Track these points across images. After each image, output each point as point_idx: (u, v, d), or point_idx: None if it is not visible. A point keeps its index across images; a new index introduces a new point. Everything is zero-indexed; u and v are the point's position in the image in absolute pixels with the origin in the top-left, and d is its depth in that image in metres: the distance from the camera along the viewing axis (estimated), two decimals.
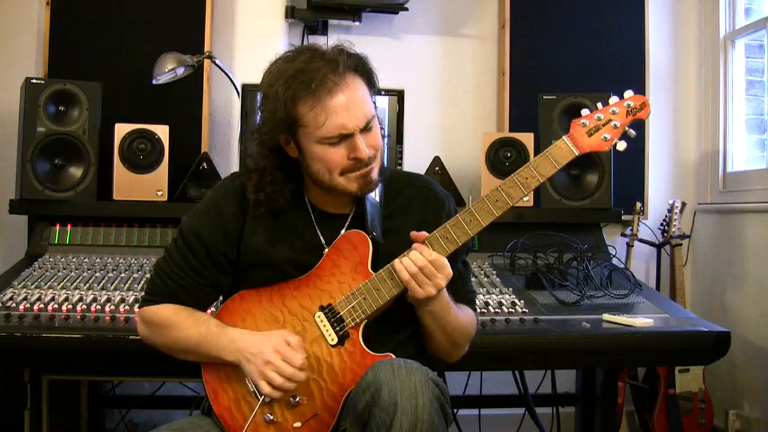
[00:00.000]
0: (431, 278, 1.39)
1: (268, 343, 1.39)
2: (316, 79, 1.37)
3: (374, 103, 1.49)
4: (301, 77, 1.38)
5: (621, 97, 1.48)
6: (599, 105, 1.48)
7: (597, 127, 1.46)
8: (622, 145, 1.47)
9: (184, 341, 1.47)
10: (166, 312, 1.50)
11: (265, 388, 1.37)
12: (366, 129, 1.42)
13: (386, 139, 1.58)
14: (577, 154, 1.45)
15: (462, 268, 1.60)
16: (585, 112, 1.47)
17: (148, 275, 2.14)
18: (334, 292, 1.46)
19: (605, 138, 1.45)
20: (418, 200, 1.56)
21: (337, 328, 1.43)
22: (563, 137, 1.46)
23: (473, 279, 2.19)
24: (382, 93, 2.73)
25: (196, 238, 1.51)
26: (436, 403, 1.28)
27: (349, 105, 1.39)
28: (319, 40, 3.05)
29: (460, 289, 1.57)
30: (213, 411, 1.48)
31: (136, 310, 1.88)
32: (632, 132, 1.47)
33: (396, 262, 1.42)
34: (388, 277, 1.42)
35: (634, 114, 1.47)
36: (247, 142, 2.35)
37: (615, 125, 1.46)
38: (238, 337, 1.43)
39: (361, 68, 1.45)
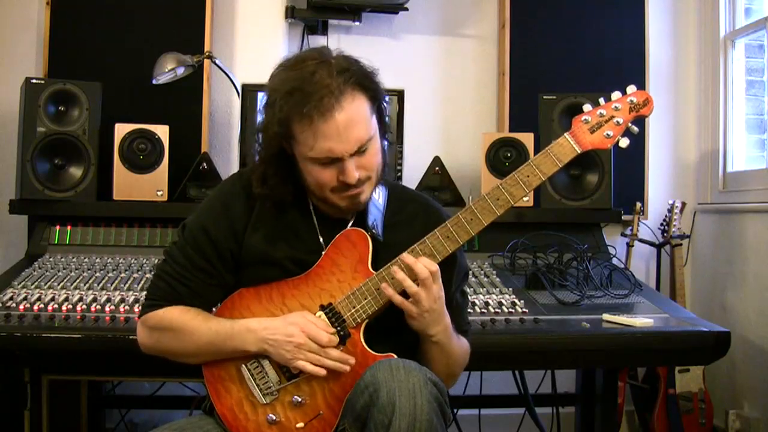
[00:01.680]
0: (429, 292, 1.38)
1: (292, 326, 1.39)
2: (311, 100, 1.34)
3: (381, 116, 1.47)
4: (298, 96, 1.35)
5: (624, 92, 1.45)
6: (601, 101, 1.45)
7: (599, 124, 1.43)
8: (624, 142, 1.44)
9: (194, 341, 1.45)
10: (172, 313, 1.48)
11: (307, 367, 1.38)
12: (359, 152, 1.40)
13: (390, 144, 1.56)
14: (579, 151, 1.42)
15: (459, 297, 1.57)
16: (587, 108, 1.45)
17: (148, 275, 2.14)
18: (334, 291, 1.45)
19: (608, 135, 1.43)
20: (422, 216, 1.54)
21: (338, 328, 1.42)
22: (565, 134, 1.43)
23: (473, 279, 2.20)
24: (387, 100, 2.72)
25: (204, 233, 1.50)
26: (435, 404, 1.27)
27: (341, 130, 1.36)
28: (319, 41, 3.05)
29: (456, 320, 1.52)
30: (215, 411, 1.48)
31: (136, 309, 1.89)
32: (635, 129, 1.44)
33: (391, 279, 1.40)
34: (389, 277, 1.42)
35: (637, 110, 1.44)
36: (250, 137, 2.33)
37: (618, 122, 1.43)
38: (255, 325, 1.42)
39: (367, 84, 1.42)
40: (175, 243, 1.54)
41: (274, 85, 1.42)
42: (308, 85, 1.36)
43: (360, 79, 1.41)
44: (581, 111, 1.46)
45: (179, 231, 1.55)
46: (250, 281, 1.51)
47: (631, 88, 1.46)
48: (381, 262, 1.44)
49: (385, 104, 1.50)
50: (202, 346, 1.45)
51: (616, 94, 1.45)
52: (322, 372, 1.38)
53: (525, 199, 2.58)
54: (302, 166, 1.44)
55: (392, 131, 1.56)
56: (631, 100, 1.44)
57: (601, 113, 1.44)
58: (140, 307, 1.56)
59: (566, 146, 1.42)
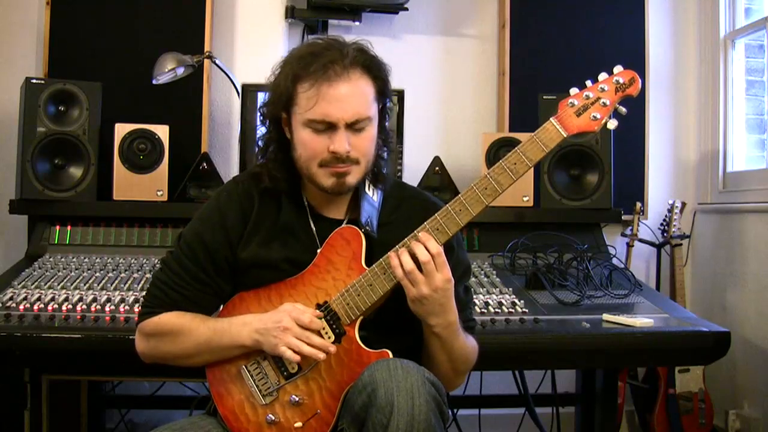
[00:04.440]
0: (429, 276, 1.37)
1: (280, 312, 1.40)
2: (320, 63, 1.39)
3: (383, 113, 1.50)
4: (308, 59, 1.41)
5: (610, 72, 1.43)
6: (588, 83, 1.43)
7: (585, 107, 1.40)
8: (612, 124, 1.41)
9: (193, 342, 1.46)
10: (169, 318, 1.49)
11: (288, 354, 1.37)
12: (354, 127, 1.42)
13: (389, 144, 1.56)
14: (565, 135, 1.39)
15: (462, 293, 1.55)
16: (574, 90, 1.42)
17: (148, 275, 2.14)
18: (330, 289, 1.45)
19: (594, 117, 1.40)
20: (420, 213, 1.49)
21: (334, 326, 1.42)
22: (551, 119, 1.40)
23: (473, 279, 2.19)
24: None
25: (200, 242, 1.51)
26: (433, 403, 1.27)
27: (341, 97, 1.40)
28: None
29: (460, 315, 1.48)
30: (218, 413, 1.49)
31: (136, 309, 1.89)
32: (623, 110, 1.42)
33: (391, 254, 1.40)
34: (380, 272, 1.41)
35: (624, 90, 1.41)
36: (251, 136, 2.39)
37: (604, 103, 1.40)
38: (250, 319, 1.44)
39: (374, 71, 1.45)
40: (172, 252, 1.55)
41: (287, 57, 1.48)
42: (321, 52, 1.42)
43: (372, 64, 1.45)
44: (570, 90, 1.43)
45: (176, 240, 1.56)
46: (248, 285, 1.51)
47: (617, 68, 1.43)
48: (376, 260, 1.44)
49: (388, 109, 1.52)
50: (200, 344, 1.46)
51: (602, 75, 1.43)
52: (297, 358, 1.37)
53: (525, 198, 2.61)
54: (297, 137, 1.46)
55: (393, 140, 1.58)
56: (617, 80, 1.41)
57: (587, 95, 1.41)
58: (137, 316, 1.56)
59: (552, 131, 1.40)
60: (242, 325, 1.43)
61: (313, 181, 1.48)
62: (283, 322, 1.38)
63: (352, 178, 1.46)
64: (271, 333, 1.39)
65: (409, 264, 1.37)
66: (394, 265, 1.39)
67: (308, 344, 1.37)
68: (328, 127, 1.41)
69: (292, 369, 1.42)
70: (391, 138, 1.56)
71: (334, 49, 1.42)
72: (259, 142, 1.57)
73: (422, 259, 1.37)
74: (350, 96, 1.40)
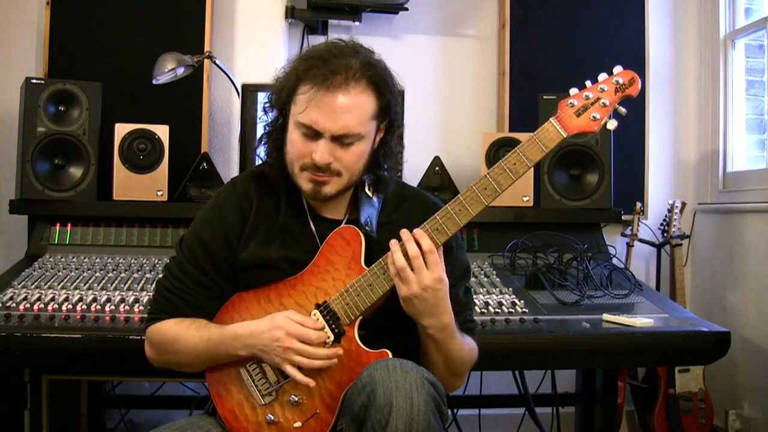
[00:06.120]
0: (418, 274, 1.36)
1: (277, 329, 1.38)
2: (325, 68, 1.39)
3: (391, 128, 1.51)
4: (315, 62, 1.41)
5: (610, 73, 1.43)
6: (588, 83, 1.43)
7: (585, 107, 1.40)
8: (612, 124, 1.41)
9: (190, 351, 1.46)
10: (168, 325, 1.49)
11: (296, 375, 1.37)
12: (341, 141, 1.41)
13: (390, 161, 1.55)
14: (565, 136, 1.39)
15: (462, 295, 1.56)
16: (573, 91, 1.42)
17: (148, 275, 2.14)
18: (329, 289, 1.45)
19: (594, 117, 1.40)
20: (420, 214, 1.49)
21: (333, 326, 1.42)
22: (551, 119, 1.40)
23: (473, 279, 2.19)
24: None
25: (200, 244, 1.51)
26: (432, 403, 1.27)
27: (334, 108, 1.39)
28: (319, 41, 3.04)
29: (459, 316, 1.48)
30: (218, 413, 1.49)
31: (137, 309, 1.90)
32: (622, 110, 1.42)
33: (388, 254, 1.40)
34: (380, 272, 1.41)
35: (623, 90, 1.41)
36: (250, 136, 2.44)
37: (604, 104, 1.40)
38: (241, 331, 1.43)
39: (383, 90, 1.45)
40: (174, 258, 1.55)
41: (302, 53, 1.48)
42: (329, 59, 1.41)
43: (380, 80, 1.44)
44: (569, 90, 1.43)
45: (177, 245, 1.56)
46: (248, 285, 1.51)
47: (617, 69, 1.43)
48: (375, 260, 1.44)
49: (396, 126, 1.52)
50: (199, 354, 1.46)
51: (602, 76, 1.43)
52: (311, 383, 1.38)
53: (525, 198, 2.61)
54: (288, 134, 1.46)
55: (396, 155, 1.60)
56: (617, 81, 1.41)
57: (587, 96, 1.41)
58: (143, 323, 1.57)
59: (552, 131, 1.40)
60: (234, 338, 1.43)
61: (295, 181, 1.49)
62: (283, 341, 1.37)
63: (330, 188, 1.46)
64: (273, 352, 1.38)
65: (400, 261, 1.37)
66: (387, 264, 1.39)
67: (316, 358, 1.37)
68: (315, 134, 1.41)
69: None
70: (397, 152, 1.56)
71: (342, 58, 1.41)
72: (267, 128, 1.55)
73: (411, 254, 1.36)
74: (344, 109, 1.39)
